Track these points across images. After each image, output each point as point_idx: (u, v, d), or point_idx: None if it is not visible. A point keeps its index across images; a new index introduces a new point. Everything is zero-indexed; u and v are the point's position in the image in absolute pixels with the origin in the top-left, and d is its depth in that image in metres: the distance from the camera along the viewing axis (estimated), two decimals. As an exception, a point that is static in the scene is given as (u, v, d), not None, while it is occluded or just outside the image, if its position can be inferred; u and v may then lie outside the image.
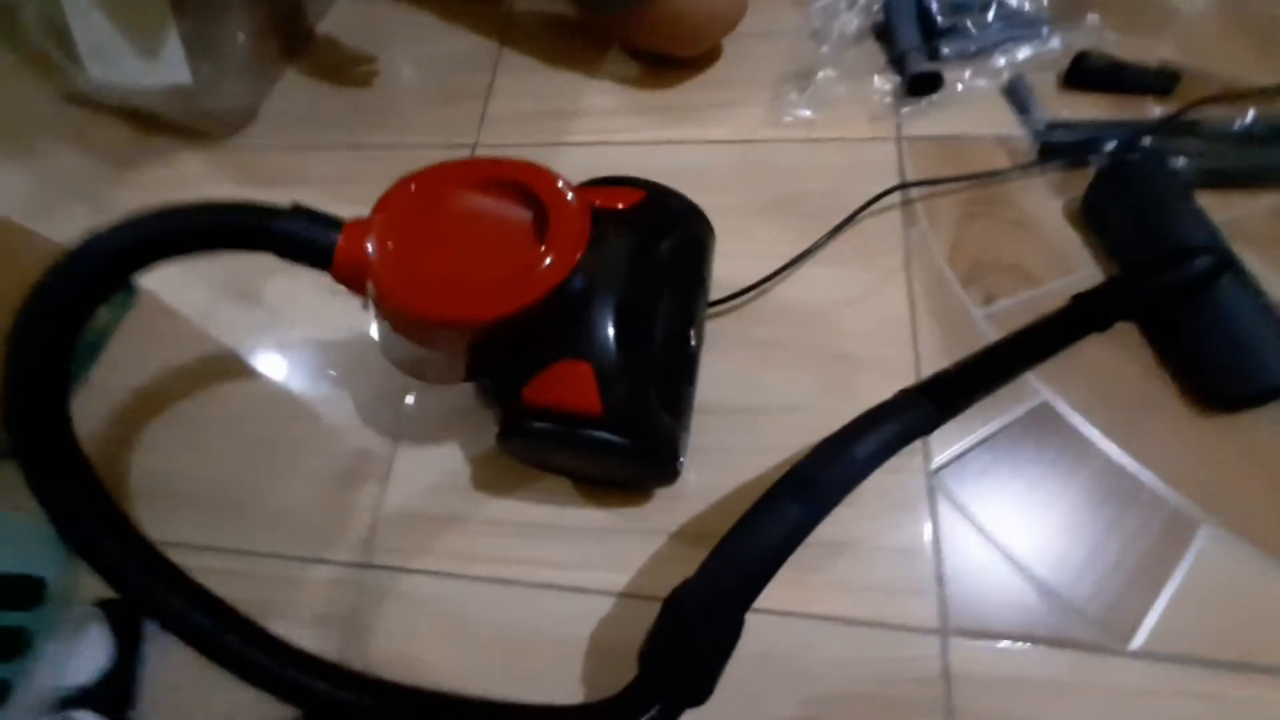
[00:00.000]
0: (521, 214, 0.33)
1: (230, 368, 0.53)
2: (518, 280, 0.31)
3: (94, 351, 0.54)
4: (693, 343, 0.39)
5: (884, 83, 0.55)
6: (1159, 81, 0.51)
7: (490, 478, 0.45)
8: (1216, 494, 0.39)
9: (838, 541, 0.40)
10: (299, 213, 0.35)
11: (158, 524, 0.37)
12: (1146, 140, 0.47)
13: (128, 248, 0.32)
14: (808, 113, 0.55)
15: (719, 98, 0.59)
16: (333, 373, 0.52)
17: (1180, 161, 0.46)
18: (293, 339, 0.54)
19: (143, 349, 0.55)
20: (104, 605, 0.42)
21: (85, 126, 0.68)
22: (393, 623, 0.42)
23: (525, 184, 0.33)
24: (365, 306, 0.38)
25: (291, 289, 0.56)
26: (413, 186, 0.33)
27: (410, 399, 0.49)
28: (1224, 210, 0.45)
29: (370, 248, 0.32)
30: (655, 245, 0.37)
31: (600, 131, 0.59)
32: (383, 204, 0.33)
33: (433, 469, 0.46)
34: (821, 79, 0.55)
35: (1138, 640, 0.36)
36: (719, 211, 0.44)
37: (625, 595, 0.41)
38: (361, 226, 0.34)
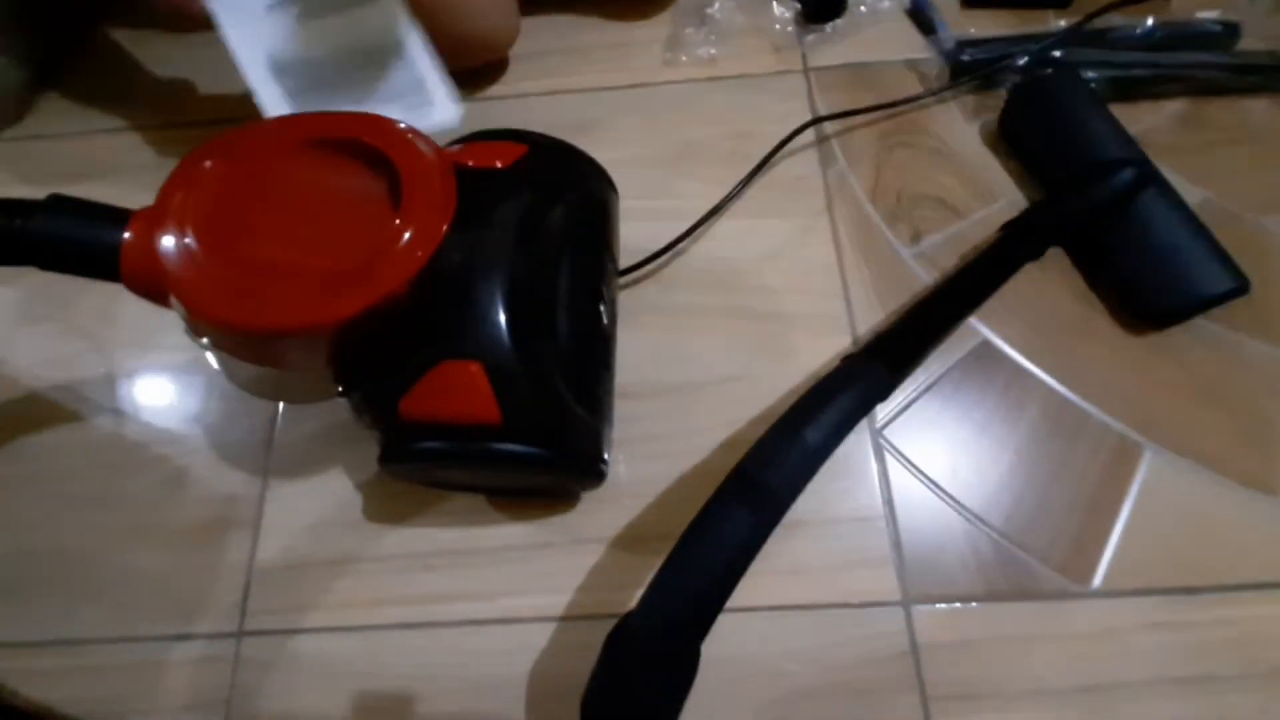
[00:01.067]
0: (366, 181, 0.26)
1: (42, 415, 0.43)
2: (371, 265, 0.24)
3: None
4: (604, 320, 0.33)
5: (783, 10, 0.50)
6: (1058, -9, 0.49)
7: (384, 506, 0.38)
8: (1155, 416, 0.38)
9: (788, 521, 0.35)
10: (62, 205, 0.26)
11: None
12: (1056, 53, 0.45)
13: None
14: (710, 50, 0.49)
15: (607, 38, 0.52)
16: (174, 405, 0.42)
17: (1090, 74, 0.44)
18: (119, 370, 0.44)
19: (-88, 404, 0.43)
20: None
21: None
22: (283, 698, 0.35)
23: (365, 141, 0.25)
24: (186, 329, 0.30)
25: (109, 307, 0.45)
26: (209, 161, 0.25)
27: (277, 426, 0.41)
28: (1133, 122, 0.43)
29: (162, 244, 0.24)
30: (546, 209, 0.31)
31: (470, 84, 0.51)
32: (173, 184, 0.25)
33: (313, 505, 0.39)
34: (719, 9, 0.50)
35: (1097, 579, 0.35)
36: (619, 166, 0.38)
37: (564, 619, 0.35)
38: (152, 216, 0.25)
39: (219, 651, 0.36)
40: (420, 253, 0.24)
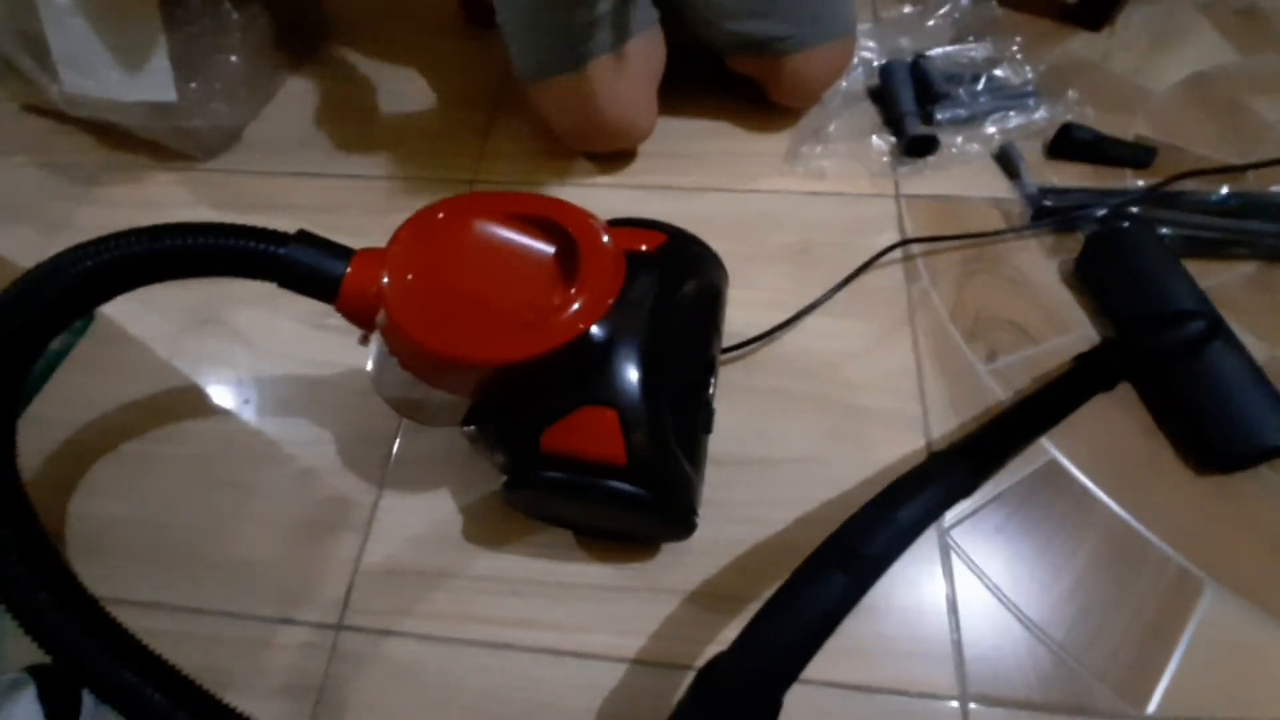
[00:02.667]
0: (549, 252, 0.32)
1: (192, 404, 0.49)
2: (545, 322, 0.29)
3: (39, 383, 0.49)
4: (711, 391, 0.38)
5: (881, 142, 0.57)
6: (1137, 155, 0.54)
7: (483, 529, 0.42)
8: (1216, 555, 0.39)
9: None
10: (306, 239, 0.32)
11: (100, 577, 0.32)
12: (1135, 209, 0.49)
13: (112, 266, 0.29)
14: (825, 163, 0.56)
15: (731, 146, 0.59)
16: (311, 412, 0.48)
17: (1165, 230, 0.48)
18: (265, 374, 0.50)
19: (94, 381, 0.50)
20: (36, 672, 0.36)
21: (46, 137, 0.64)
22: (369, 693, 0.38)
23: (556, 221, 0.31)
24: (363, 341, 0.36)
25: (266, 319, 0.52)
26: (437, 215, 0.31)
27: (397, 443, 0.46)
28: (1205, 277, 0.47)
29: (386, 278, 0.30)
30: (677, 289, 0.36)
31: (605, 174, 0.58)
32: (403, 233, 0.31)
33: (420, 519, 0.43)
34: (834, 130, 0.56)
35: (1152, 705, 0.36)
36: (727, 258, 0.43)
37: (634, 662, 0.38)
38: (375, 256, 0.31)
39: (319, 640, 0.39)
40: (587, 319, 0.30)
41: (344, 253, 0.32)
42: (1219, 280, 0.49)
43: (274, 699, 0.38)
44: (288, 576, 0.42)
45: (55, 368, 0.50)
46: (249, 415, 0.48)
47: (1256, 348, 0.45)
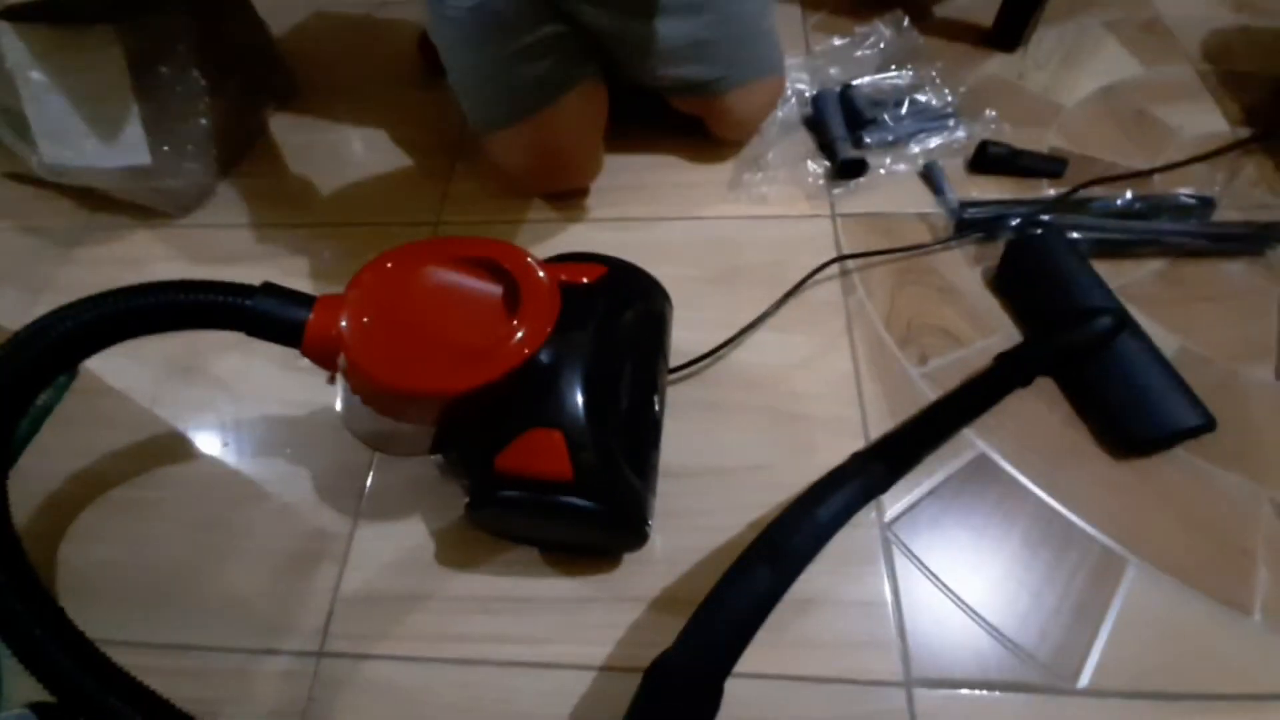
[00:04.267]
0: (493, 289, 0.35)
1: (174, 449, 0.51)
2: (492, 352, 0.33)
3: (27, 436, 0.51)
4: (656, 409, 0.41)
5: (815, 166, 0.61)
6: (1050, 166, 0.58)
7: (454, 552, 0.45)
8: (1137, 533, 0.42)
9: (802, 599, 0.41)
10: (271, 290, 0.35)
11: (92, 621, 0.35)
12: (1047, 216, 0.53)
13: (92, 325, 0.32)
14: (765, 189, 0.60)
15: (676, 178, 0.63)
16: (288, 450, 0.50)
17: (1076, 234, 0.52)
18: (244, 417, 0.52)
19: (80, 432, 0.52)
20: (38, 709, 0.38)
21: (27, 203, 0.67)
22: (351, 714, 0.40)
23: (496, 260, 0.34)
24: (330, 381, 0.38)
25: (243, 364, 0.55)
26: (388, 264, 0.34)
27: (370, 475, 0.48)
28: (1117, 276, 0.51)
29: (344, 322, 0.33)
30: (618, 317, 0.39)
31: (561, 210, 0.62)
32: (358, 280, 0.34)
33: (394, 546, 0.45)
34: (772, 158, 0.61)
35: (1084, 679, 0.38)
36: (674, 281, 0.47)
37: (601, 669, 0.40)
38: (335, 301, 0.34)
39: (301, 667, 0.41)
40: (529, 346, 0.33)
41: (306, 300, 0.35)
42: (1131, 278, 0.53)
43: (261, 725, 0.40)
44: (270, 609, 0.44)
45: (41, 423, 0.53)
46: (229, 457, 0.51)
47: (1167, 339, 0.49)
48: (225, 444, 0.51)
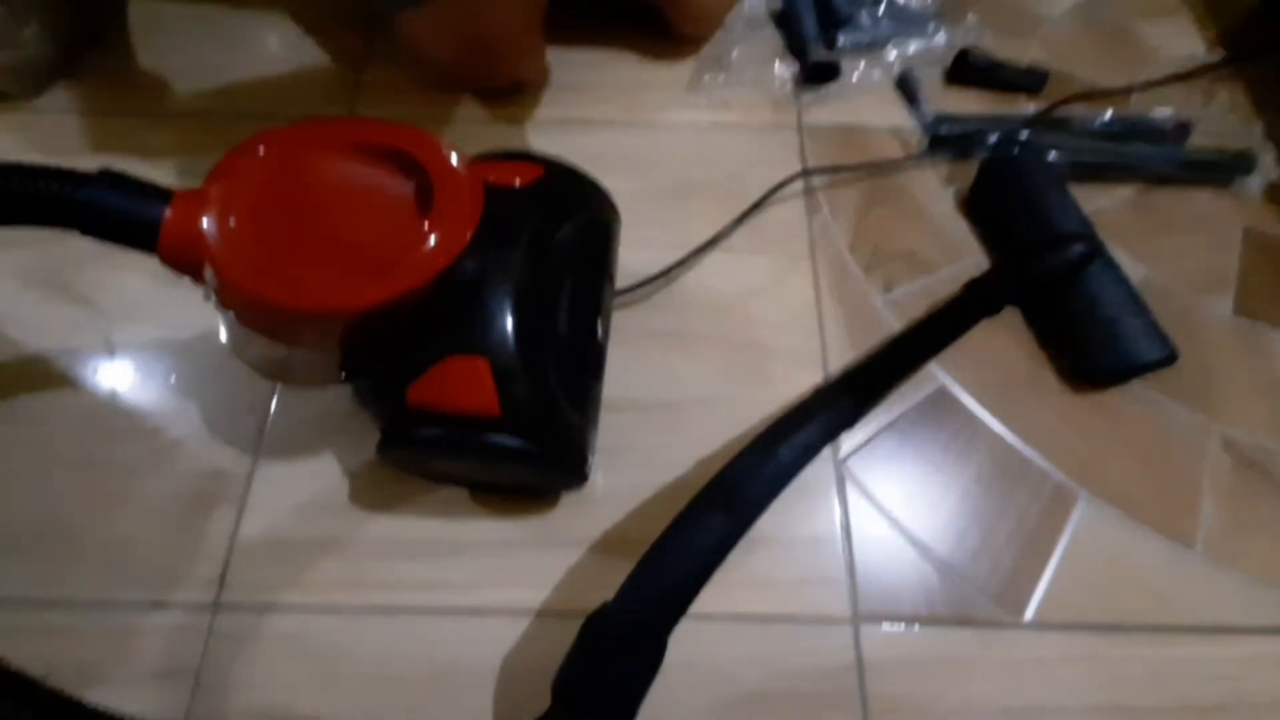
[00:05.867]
0: (400, 186, 0.28)
1: (37, 379, 0.44)
2: (397, 262, 0.27)
3: None
4: (599, 334, 0.36)
5: (783, 69, 0.55)
6: (1030, 81, 0.54)
7: (370, 492, 0.40)
8: (1091, 467, 0.42)
9: (751, 537, 0.38)
10: (112, 179, 0.28)
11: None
12: (1024, 135, 0.50)
13: None
14: (728, 93, 0.53)
15: (631, 77, 0.56)
16: (173, 378, 0.43)
17: (1053, 155, 0.48)
18: (120, 340, 0.45)
19: (-91, 357, 0.44)
20: None
21: None
22: (254, 671, 0.36)
23: (404, 151, 0.28)
24: (208, 297, 0.32)
25: (116, 279, 0.46)
26: (261, 149, 0.27)
27: (273, 406, 0.42)
28: (1088, 202, 0.48)
29: (207, 224, 0.26)
30: (556, 227, 0.34)
31: (497, 103, 0.54)
32: (222, 169, 0.27)
33: (301, 486, 0.40)
34: (736, 57, 0.54)
35: (1029, 612, 0.38)
36: (623, 194, 0.41)
37: (536, 614, 0.37)
38: (196, 197, 0.28)
39: (193, 622, 0.37)
40: (443, 258, 0.27)
41: (161, 195, 0.28)
42: (1102, 204, 0.50)
43: (147, 686, 0.35)
44: (156, 557, 0.38)
45: None
46: (102, 387, 0.43)
47: (1134, 268, 0.47)
48: (96, 371, 0.44)
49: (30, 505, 0.40)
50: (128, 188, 0.28)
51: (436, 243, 0.27)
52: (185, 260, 0.28)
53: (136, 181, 0.28)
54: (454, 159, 0.28)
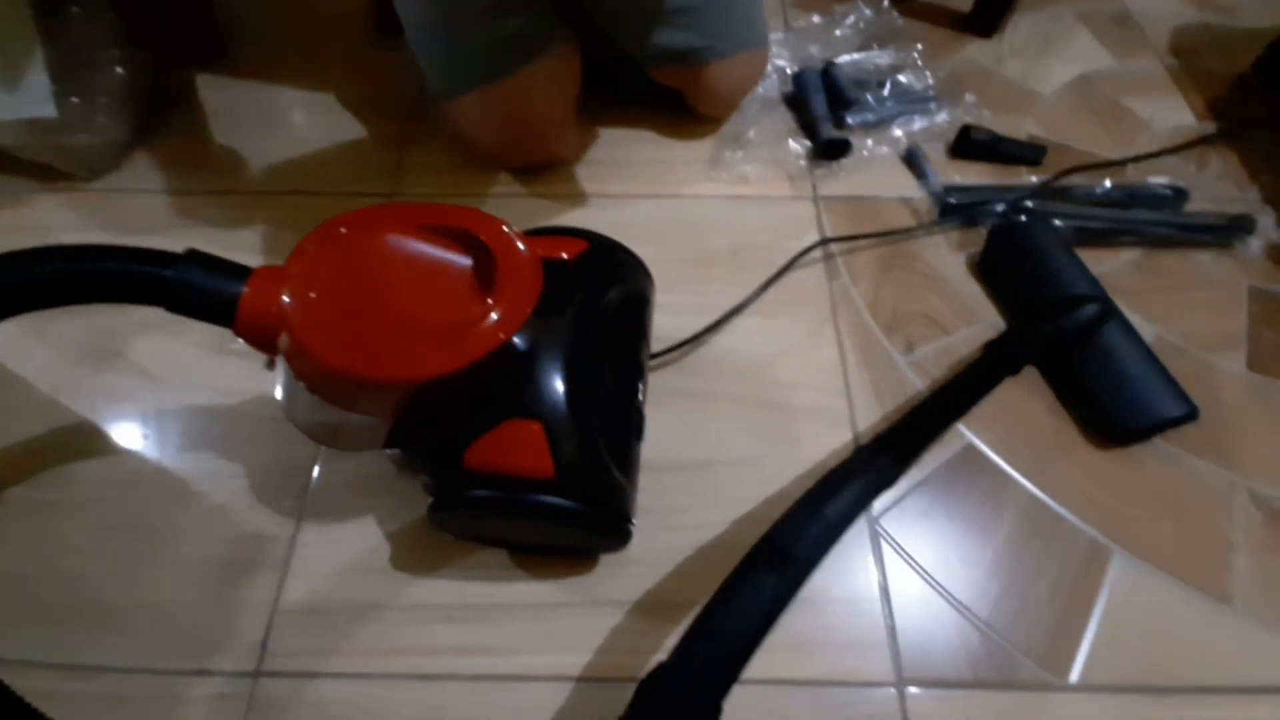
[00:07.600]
0: (463, 263, 0.31)
1: (85, 443, 0.45)
2: (462, 334, 0.29)
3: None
4: (640, 397, 0.38)
5: (797, 146, 0.58)
6: (1030, 153, 0.58)
7: (411, 556, 0.40)
8: (1122, 524, 0.42)
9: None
10: (197, 259, 0.30)
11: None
12: (1030, 203, 0.52)
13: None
14: (747, 168, 0.57)
15: (656, 154, 0.59)
16: (219, 444, 0.45)
17: (1058, 222, 0.51)
18: (167, 406, 0.46)
19: (-32, 425, 0.45)
20: None
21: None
22: (296, 740, 0.35)
23: (469, 231, 0.30)
24: (269, 366, 0.34)
25: (165, 347, 0.49)
26: (340, 229, 0.29)
27: (315, 471, 0.43)
28: (1095, 265, 0.50)
29: (287, 298, 0.28)
30: (601, 298, 0.36)
31: (528, 184, 0.57)
32: (303, 248, 0.30)
33: (342, 551, 0.41)
34: (753, 136, 0.58)
35: (1074, 674, 0.37)
36: (654, 263, 0.43)
37: (579, 680, 0.37)
38: (274, 274, 0.30)
39: (235, 690, 0.37)
40: (506, 329, 0.29)
41: (240, 272, 0.30)
42: (1108, 267, 0.52)
43: (187, 758, 0.35)
44: (199, 624, 0.39)
45: (-81, 414, 0.45)
46: (150, 452, 0.45)
47: (1144, 328, 0.49)
48: (145, 437, 0.45)
49: (78, 570, 0.40)
50: (212, 266, 0.30)
51: (500, 317, 0.29)
52: (260, 332, 0.30)
53: (220, 260, 0.30)
54: (516, 239, 0.31)
